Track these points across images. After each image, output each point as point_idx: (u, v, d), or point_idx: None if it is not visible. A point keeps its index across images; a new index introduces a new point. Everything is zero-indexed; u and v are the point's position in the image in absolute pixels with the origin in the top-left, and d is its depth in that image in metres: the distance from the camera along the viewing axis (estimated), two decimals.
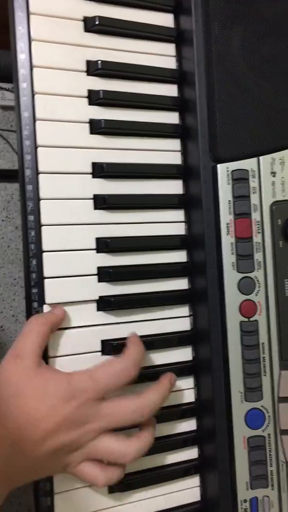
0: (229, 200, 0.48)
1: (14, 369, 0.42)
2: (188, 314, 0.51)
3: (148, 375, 0.49)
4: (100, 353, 0.47)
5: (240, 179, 0.48)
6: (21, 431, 0.40)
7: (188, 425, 0.51)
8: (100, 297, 0.48)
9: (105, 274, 0.48)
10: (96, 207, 0.48)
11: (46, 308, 0.46)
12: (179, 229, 0.51)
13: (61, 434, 0.41)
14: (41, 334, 0.43)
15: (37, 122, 0.46)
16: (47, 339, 0.44)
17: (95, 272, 0.48)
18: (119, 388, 0.43)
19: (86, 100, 0.48)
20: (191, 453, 0.51)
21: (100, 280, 0.48)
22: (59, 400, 0.41)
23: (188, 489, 0.51)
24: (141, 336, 0.49)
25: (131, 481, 0.48)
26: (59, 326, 0.46)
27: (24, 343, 0.43)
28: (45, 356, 0.45)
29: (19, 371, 0.41)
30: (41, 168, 0.46)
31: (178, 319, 0.51)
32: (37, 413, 0.40)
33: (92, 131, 0.48)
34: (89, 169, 0.48)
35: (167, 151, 0.51)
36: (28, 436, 0.40)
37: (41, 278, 0.46)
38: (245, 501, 0.47)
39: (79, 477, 0.44)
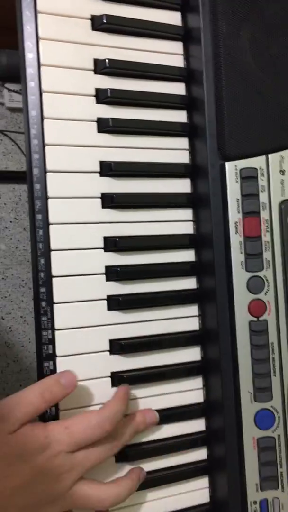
0: (238, 199, 0.47)
1: None
2: (196, 314, 0.51)
3: (156, 374, 0.49)
4: (108, 353, 0.47)
5: (248, 177, 0.48)
6: None
7: (197, 425, 0.51)
8: (108, 296, 0.47)
9: (113, 273, 0.47)
10: (104, 205, 0.48)
11: (59, 370, 0.45)
12: (187, 228, 0.51)
13: (34, 486, 0.40)
14: (37, 410, 0.42)
15: (45, 121, 0.46)
16: (40, 413, 0.43)
17: (103, 271, 0.47)
18: (94, 441, 0.43)
19: (93, 99, 0.48)
20: (200, 454, 0.51)
21: (108, 279, 0.48)
22: (33, 453, 0.40)
23: (197, 490, 0.50)
24: (149, 336, 0.49)
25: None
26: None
27: (16, 408, 0.41)
28: (53, 355, 0.45)
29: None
30: (49, 167, 0.46)
31: (186, 318, 0.51)
32: (7, 469, 0.40)
33: (100, 130, 0.48)
34: (97, 168, 0.48)
35: (175, 150, 0.51)
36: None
37: (49, 277, 0.46)
38: (254, 502, 0.47)
39: None
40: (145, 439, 0.49)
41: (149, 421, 0.47)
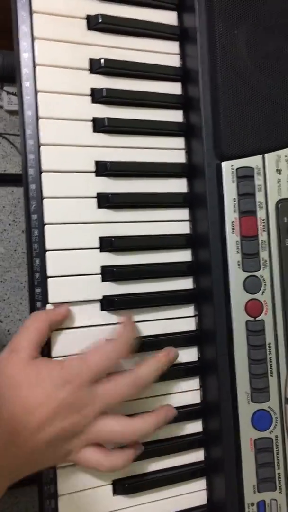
0: (234, 198, 0.47)
1: (8, 362, 0.42)
2: (193, 314, 0.51)
3: None
4: None
5: (245, 176, 0.47)
6: (17, 421, 0.40)
7: (194, 426, 0.50)
8: (104, 296, 0.47)
9: (108, 274, 0.47)
10: (100, 205, 0.47)
11: (49, 307, 0.46)
12: (184, 228, 0.51)
13: (58, 421, 0.41)
14: (39, 330, 0.43)
15: (40, 121, 0.46)
16: (45, 335, 0.44)
17: (99, 271, 0.47)
18: (112, 369, 0.44)
19: (89, 98, 0.48)
20: (197, 456, 0.50)
21: (103, 280, 0.47)
22: (53, 387, 0.41)
23: (194, 492, 0.50)
24: (146, 336, 0.49)
25: (136, 484, 0.47)
26: (61, 324, 0.45)
27: (21, 338, 0.43)
28: (48, 356, 0.45)
29: (13, 363, 0.42)
30: (44, 166, 0.46)
31: (183, 319, 0.50)
32: (31, 401, 0.40)
33: (96, 130, 0.48)
34: (93, 168, 0.47)
35: (171, 149, 0.51)
36: (25, 426, 0.40)
37: (44, 278, 0.46)
38: (252, 504, 0.46)
39: (82, 464, 0.44)
40: (141, 441, 0.48)
41: (172, 358, 0.47)
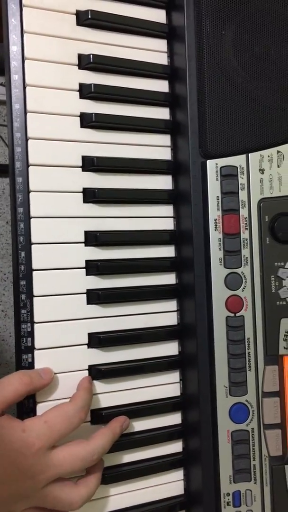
0: (218, 196, 0.48)
1: None
2: (175, 309, 0.52)
3: (134, 368, 0.49)
4: (86, 346, 0.48)
5: (228, 175, 0.48)
6: None
7: (174, 419, 0.52)
8: (88, 290, 0.48)
9: (93, 268, 0.48)
10: (86, 200, 0.48)
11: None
12: (168, 224, 0.52)
13: (6, 485, 0.40)
14: (17, 393, 0.42)
15: (28, 115, 0.46)
16: (21, 398, 0.43)
17: (83, 265, 0.48)
18: (71, 432, 0.43)
19: (77, 94, 0.48)
20: (176, 447, 0.52)
21: (88, 273, 0.48)
22: (11, 449, 0.39)
23: (172, 482, 0.51)
24: (129, 330, 0.49)
25: (115, 474, 0.48)
26: (39, 390, 0.45)
27: None
28: (32, 348, 0.46)
29: None
30: (31, 160, 0.46)
31: (165, 313, 0.51)
32: None
33: (83, 125, 0.48)
34: (79, 163, 0.48)
35: (158, 146, 0.51)
36: None
37: (29, 270, 0.46)
38: (227, 494, 0.48)
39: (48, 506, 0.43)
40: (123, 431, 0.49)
41: (125, 428, 0.48)
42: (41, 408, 0.45)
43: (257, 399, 0.48)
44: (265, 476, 0.48)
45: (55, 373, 0.46)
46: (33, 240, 0.46)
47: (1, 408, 0.41)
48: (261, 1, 0.50)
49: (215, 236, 0.48)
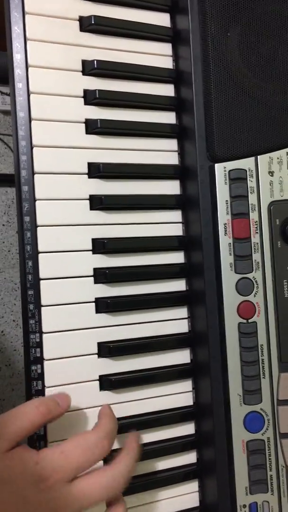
0: (227, 200, 0.47)
1: None
2: (186, 316, 0.51)
3: (145, 378, 0.48)
4: (96, 356, 0.47)
5: (237, 178, 0.47)
6: None
7: (187, 429, 0.50)
8: (96, 298, 0.47)
9: (101, 276, 0.47)
10: (92, 207, 0.47)
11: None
12: (177, 230, 0.51)
13: None
14: (34, 425, 0.38)
15: (33, 122, 0.46)
16: (37, 429, 0.40)
17: (92, 273, 0.47)
18: (93, 464, 0.39)
19: (82, 100, 0.48)
20: (189, 458, 0.50)
21: (96, 282, 0.47)
22: (24, 484, 0.36)
23: (187, 494, 0.50)
24: (139, 339, 0.49)
25: (128, 486, 0.47)
26: (57, 419, 0.41)
27: (12, 424, 0.38)
28: (41, 359, 0.45)
29: None
30: (36, 168, 0.46)
31: (176, 321, 0.50)
32: None
33: (88, 131, 0.48)
34: (85, 170, 0.47)
35: (164, 151, 0.51)
36: None
37: (37, 280, 0.45)
38: (244, 506, 0.46)
39: None
40: None
41: (139, 439, 0.44)
42: (51, 427, 0.44)
43: (272, 408, 0.47)
44: (282, 487, 0.47)
45: (65, 384, 0.45)
46: (40, 249, 0.45)
47: (16, 440, 0.38)
48: (266, 2, 0.49)
49: (225, 241, 0.47)
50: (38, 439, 0.44)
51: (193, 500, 0.50)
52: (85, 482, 0.38)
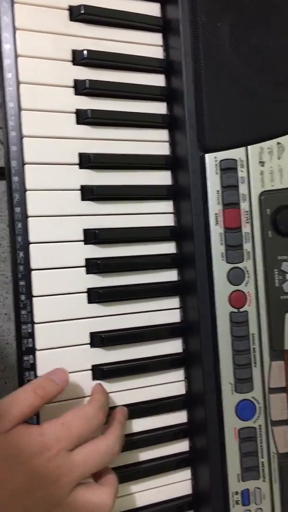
0: (218, 190, 0.47)
1: None
2: (178, 306, 0.51)
3: (137, 367, 0.48)
4: (89, 346, 0.47)
5: (228, 168, 0.47)
6: None
7: (179, 417, 0.51)
8: (88, 289, 0.47)
9: (93, 266, 0.47)
10: (84, 198, 0.47)
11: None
12: (168, 220, 0.51)
13: (31, 493, 0.38)
14: (32, 407, 0.40)
15: (23, 112, 0.46)
16: (37, 411, 0.42)
17: (83, 264, 0.47)
18: (92, 435, 0.42)
19: (72, 90, 0.47)
20: (182, 446, 0.51)
21: (88, 272, 0.47)
22: (31, 455, 0.38)
23: (180, 482, 0.50)
24: (131, 328, 0.49)
25: (121, 474, 0.47)
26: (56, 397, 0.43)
27: (11, 407, 0.40)
28: (33, 349, 0.45)
29: None
30: (27, 159, 0.45)
31: (168, 311, 0.51)
32: (4, 472, 0.38)
33: (79, 121, 0.47)
34: (76, 160, 0.47)
35: (155, 142, 0.51)
36: None
37: (28, 271, 0.45)
38: (236, 493, 0.47)
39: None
40: (128, 431, 0.48)
41: (125, 413, 0.47)
42: (44, 410, 0.44)
43: (263, 396, 0.47)
44: (274, 474, 0.47)
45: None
46: (31, 239, 0.45)
47: (16, 424, 0.40)
48: None
49: (216, 231, 0.47)
50: None
51: (186, 488, 0.51)
52: (85, 450, 0.41)
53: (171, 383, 0.50)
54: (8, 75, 0.46)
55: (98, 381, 0.47)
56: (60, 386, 0.43)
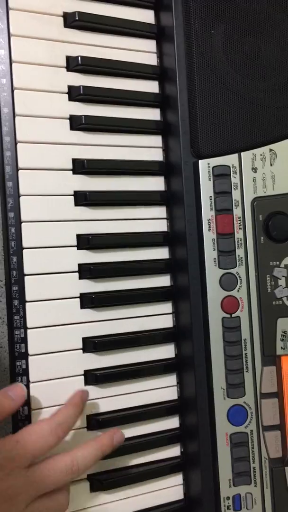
0: (211, 196, 0.48)
1: None
2: (170, 311, 0.51)
3: (130, 372, 0.49)
4: (81, 351, 0.47)
5: (221, 175, 0.48)
6: None
7: (171, 422, 0.51)
8: (81, 294, 0.47)
9: (86, 271, 0.47)
10: (77, 203, 0.48)
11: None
12: (161, 226, 0.51)
13: None
14: None
15: (17, 118, 0.46)
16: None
17: (76, 269, 0.47)
18: (48, 452, 0.41)
19: (66, 96, 0.48)
20: (174, 451, 0.51)
21: (81, 277, 0.47)
22: None
23: (171, 487, 0.51)
24: (124, 334, 0.49)
25: (113, 480, 0.48)
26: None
27: None
28: (25, 354, 0.45)
29: None
30: (21, 164, 0.46)
31: (160, 316, 0.51)
32: None
33: (73, 127, 0.48)
34: (70, 166, 0.47)
35: (149, 148, 0.51)
36: None
37: (21, 276, 0.45)
38: (227, 498, 0.47)
39: None
40: None
41: (116, 441, 0.45)
42: (36, 415, 0.45)
43: (255, 401, 0.48)
44: (265, 479, 0.48)
45: (49, 379, 0.45)
46: (25, 245, 0.45)
47: None
48: (249, 0, 0.49)
49: (209, 237, 0.47)
50: (21, 420, 0.45)
51: (178, 493, 0.51)
52: (42, 468, 0.40)
53: (164, 388, 0.51)
54: (3, 81, 0.46)
55: (91, 386, 0.47)
56: (17, 402, 0.42)
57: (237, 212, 0.48)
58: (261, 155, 0.49)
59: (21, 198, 0.46)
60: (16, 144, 0.46)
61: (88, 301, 0.47)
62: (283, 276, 0.48)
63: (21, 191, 0.46)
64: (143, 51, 0.51)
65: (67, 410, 0.43)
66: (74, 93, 0.48)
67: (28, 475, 0.39)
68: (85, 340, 0.47)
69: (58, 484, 0.41)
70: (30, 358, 0.45)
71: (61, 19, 0.48)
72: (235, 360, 0.47)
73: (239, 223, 0.48)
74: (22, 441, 0.40)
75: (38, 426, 0.41)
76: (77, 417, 0.44)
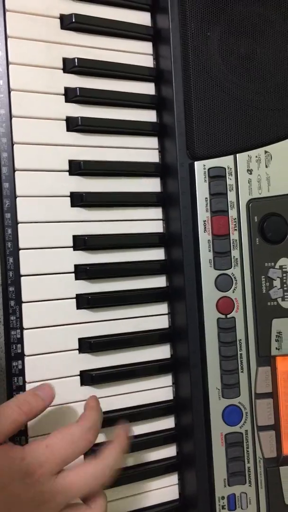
0: (206, 198, 0.48)
1: None
2: (166, 312, 0.51)
3: (125, 373, 0.49)
4: (77, 351, 0.47)
5: (217, 176, 0.48)
6: None
7: (167, 423, 0.51)
8: (77, 295, 0.47)
9: (82, 272, 0.48)
10: (73, 204, 0.48)
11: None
12: (157, 227, 0.52)
13: None
14: (18, 425, 0.39)
15: (14, 119, 0.46)
16: (20, 427, 0.40)
17: (72, 269, 0.47)
18: (78, 456, 0.40)
19: (63, 98, 0.48)
20: (169, 451, 0.51)
21: (77, 278, 0.48)
22: (11, 480, 0.36)
23: (167, 487, 0.51)
24: (120, 334, 0.49)
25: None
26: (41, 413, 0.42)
27: None
28: (21, 355, 0.45)
29: None
30: (17, 165, 0.46)
31: (156, 316, 0.51)
32: None
33: (69, 129, 0.48)
34: (66, 167, 0.48)
35: (145, 149, 0.51)
36: None
37: (17, 276, 0.46)
38: (222, 498, 0.47)
39: None
40: None
41: (129, 433, 0.45)
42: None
43: (250, 401, 0.48)
44: (260, 479, 0.48)
45: (46, 380, 0.45)
46: (21, 245, 0.46)
47: (1, 439, 0.38)
48: (245, 3, 0.50)
49: (204, 238, 0.48)
50: (19, 434, 0.44)
51: (173, 493, 0.51)
52: (71, 475, 0.39)
53: (159, 389, 0.51)
54: (0, 82, 0.46)
55: (87, 387, 0.47)
56: (46, 402, 0.41)
57: (232, 213, 0.48)
58: (256, 156, 0.49)
59: (18, 199, 0.46)
60: (12, 145, 0.46)
61: (84, 301, 0.47)
62: (278, 277, 0.49)
63: (18, 192, 0.46)
64: (139, 53, 0.51)
65: (92, 413, 0.42)
66: (71, 95, 0.48)
67: (57, 482, 0.38)
68: (81, 340, 0.47)
69: (88, 491, 0.39)
70: (26, 358, 0.45)
71: (58, 21, 0.48)
72: (230, 360, 0.47)
73: (235, 225, 0.48)
74: (52, 446, 0.39)
75: (68, 430, 0.40)
76: (101, 421, 0.43)
